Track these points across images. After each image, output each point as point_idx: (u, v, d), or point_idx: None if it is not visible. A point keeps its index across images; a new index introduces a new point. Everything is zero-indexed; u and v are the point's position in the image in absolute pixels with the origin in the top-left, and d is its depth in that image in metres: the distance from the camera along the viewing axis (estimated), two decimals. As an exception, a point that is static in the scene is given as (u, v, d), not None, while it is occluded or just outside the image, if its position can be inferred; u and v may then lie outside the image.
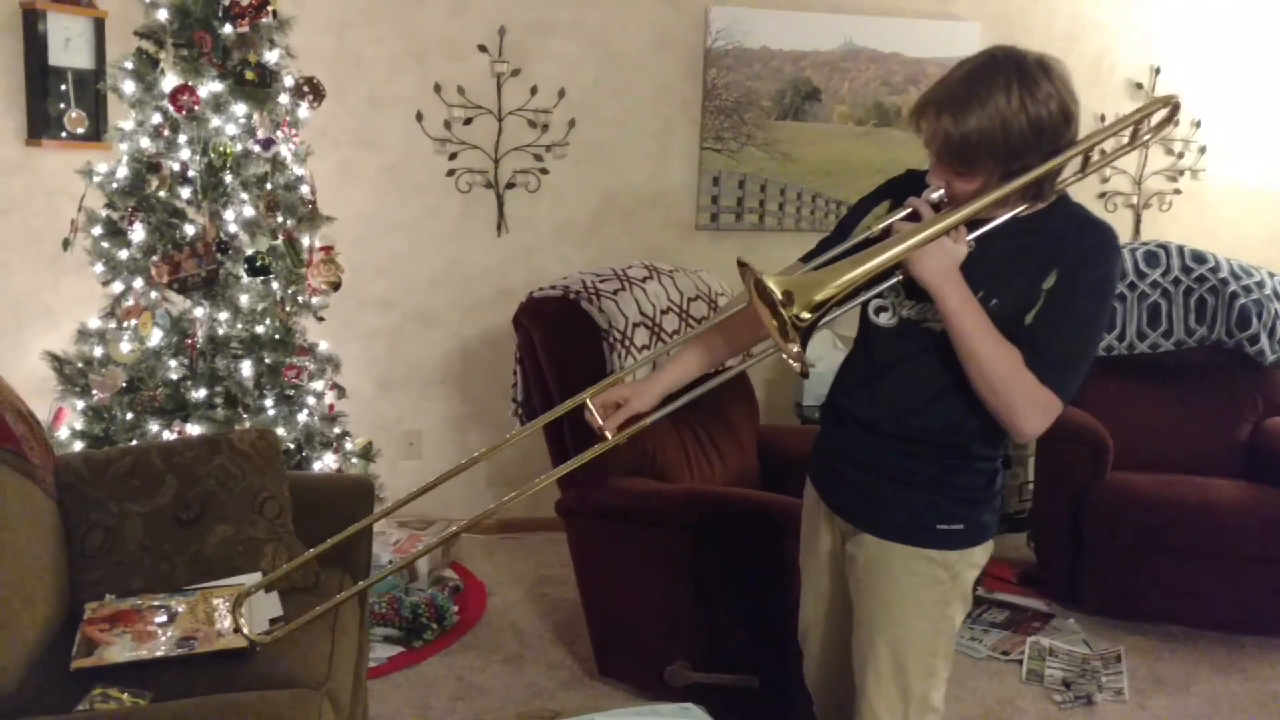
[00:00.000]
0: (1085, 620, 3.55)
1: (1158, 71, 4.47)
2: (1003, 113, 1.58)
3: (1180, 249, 3.84)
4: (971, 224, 1.67)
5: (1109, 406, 3.64)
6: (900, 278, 1.69)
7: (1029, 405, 1.67)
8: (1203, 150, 4.57)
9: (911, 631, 1.85)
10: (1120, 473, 3.53)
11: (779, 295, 1.52)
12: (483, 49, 3.90)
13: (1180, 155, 4.58)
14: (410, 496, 1.88)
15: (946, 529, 1.82)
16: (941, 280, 1.64)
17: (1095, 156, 1.77)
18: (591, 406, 1.82)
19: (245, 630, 1.96)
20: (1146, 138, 1.83)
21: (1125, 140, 1.84)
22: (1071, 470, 3.52)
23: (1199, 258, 3.81)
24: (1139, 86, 4.48)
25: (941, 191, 1.68)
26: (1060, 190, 1.73)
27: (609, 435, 1.81)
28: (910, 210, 1.68)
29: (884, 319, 1.84)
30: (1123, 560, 3.48)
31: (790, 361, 1.58)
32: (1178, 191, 4.62)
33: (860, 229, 1.77)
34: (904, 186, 1.82)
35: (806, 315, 1.53)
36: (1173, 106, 1.80)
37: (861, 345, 1.91)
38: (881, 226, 1.70)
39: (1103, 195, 4.56)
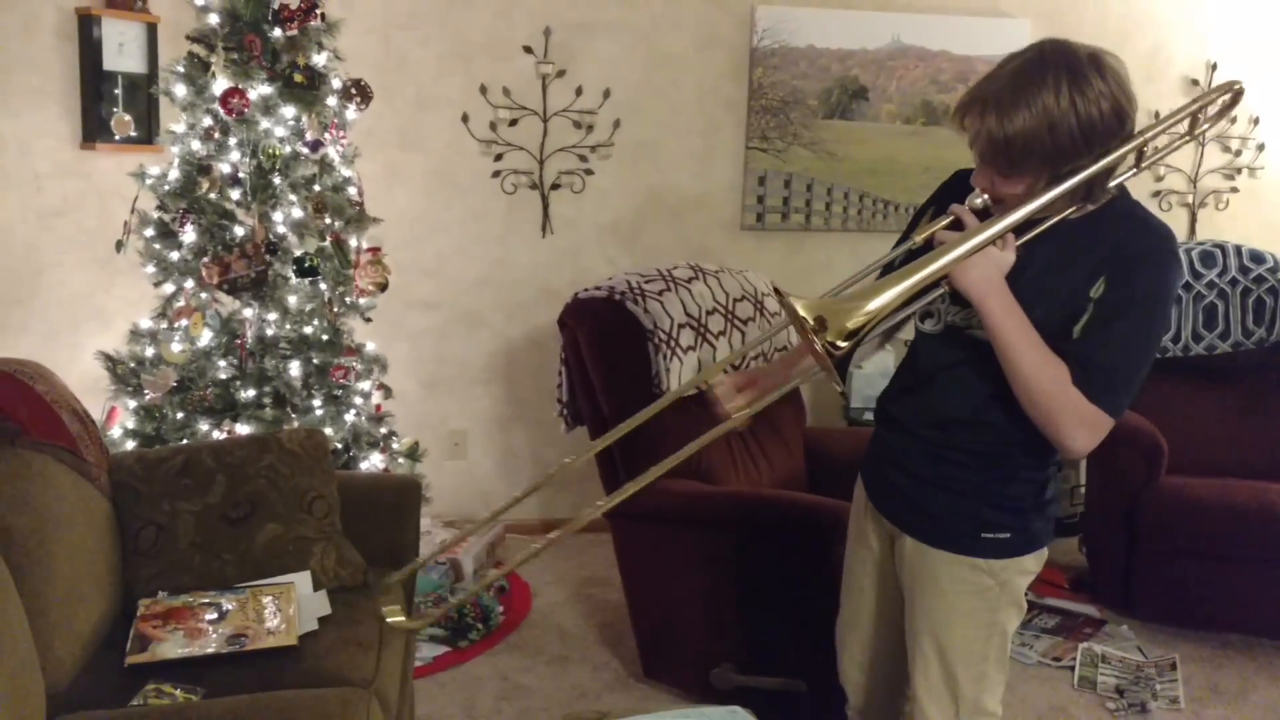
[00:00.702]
0: (1139, 627, 3.48)
1: (1214, 67, 4.38)
2: (1050, 113, 1.50)
3: (1238, 248, 3.75)
4: (1018, 228, 1.60)
5: (1163, 409, 3.56)
6: (945, 289, 1.62)
7: (1075, 424, 1.59)
8: (1261, 148, 4.46)
9: (958, 637, 1.82)
10: (1175, 476, 3.46)
11: (810, 323, 1.48)
12: (528, 50, 3.91)
13: (1238, 153, 4.48)
14: (495, 513, 1.88)
15: (993, 537, 1.77)
16: (986, 292, 1.58)
17: (1149, 151, 1.67)
18: (713, 386, 1.86)
19: (400, 617, 1.83)
20: (1205, 128, 1.73)
21: (1182, 132, 1.74)
22: (1125, 474, 3.44)
23: (1257, 257, 3.73)
24: (1194, 83, 4.39)
25: (985, 197, 1.61)
26: (1114, 190, 1.65)
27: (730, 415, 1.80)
28: (953, 218, 1.62)
29: (929, 325, 1.79)
30: (1177, 566, 3.41)
31: (833, 385, 1.54)
32: (1235, 190, 4.51)
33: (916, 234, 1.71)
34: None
35: (842, 344, 1.48)
36: (1235, 93, 1.68)
37: (910, 350, 1.88)
38: (923, 237, 1.64)
39: (1157, 194, 4.47)
